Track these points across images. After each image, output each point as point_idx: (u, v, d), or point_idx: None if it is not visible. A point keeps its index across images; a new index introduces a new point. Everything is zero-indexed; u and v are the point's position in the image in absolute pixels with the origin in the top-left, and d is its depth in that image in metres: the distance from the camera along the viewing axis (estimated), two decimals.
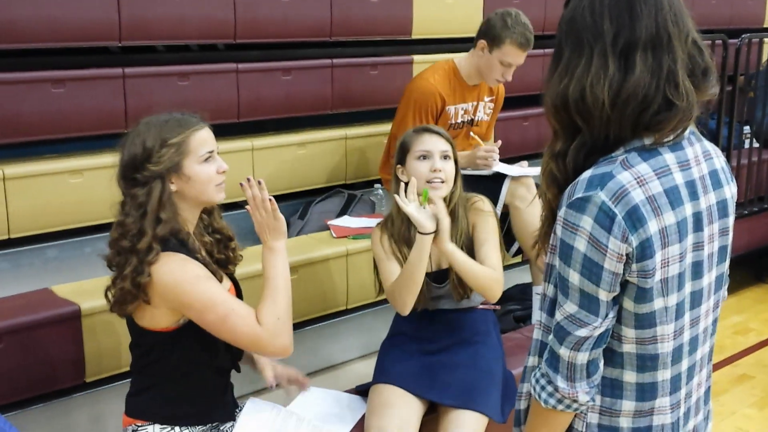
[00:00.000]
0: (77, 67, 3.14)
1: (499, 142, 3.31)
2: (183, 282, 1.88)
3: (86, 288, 2.68)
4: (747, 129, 5.01)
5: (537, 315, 1.42)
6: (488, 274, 2.37)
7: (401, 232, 2.44)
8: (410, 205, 2.28)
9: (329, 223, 3.43)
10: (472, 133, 3.43)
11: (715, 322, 1.46)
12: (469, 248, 2.44)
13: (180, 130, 1.93)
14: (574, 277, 1.29)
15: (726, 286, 1.50)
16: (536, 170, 3.29)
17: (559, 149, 1.35)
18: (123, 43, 3.22)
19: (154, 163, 1.90)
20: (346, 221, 3.45)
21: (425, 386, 2.39)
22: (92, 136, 3.20)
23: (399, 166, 2.48)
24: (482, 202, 2.51)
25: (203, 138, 1.96)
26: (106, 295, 2.00)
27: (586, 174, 1.30)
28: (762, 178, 4.85)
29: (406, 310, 2.38)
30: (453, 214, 2.44)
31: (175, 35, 3.36)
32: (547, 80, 1.38)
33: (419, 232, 2.27)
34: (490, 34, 3.21)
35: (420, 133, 2.48)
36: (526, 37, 3.19)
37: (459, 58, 3.41)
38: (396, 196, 2.33)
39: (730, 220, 1.42)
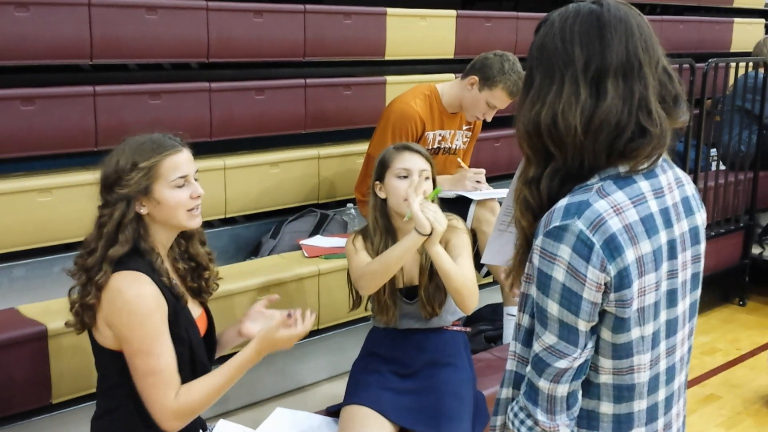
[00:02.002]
0: (47, 84, 3.11)
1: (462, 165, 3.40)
2: (134, 314, 1.85)
3: (53, 308, 2.64)
4: (714, 152, 5.10)
5: (512, 345, 1.39)
6: (468, 284, 2.39)
7: (379, 250, 2.45)
8: (416, 201, 2.29)
9: (301, 242, 3.42)
10: (459, 160, 3.47)
11: (690, 349, 1.45)
12: None
13: (152, 154, 1.92)
14: (553, 308, 1.27)
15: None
16: (500, 192, 3.34)
17: (532, 175, 1.34)
18: (94, 61, 3.20)
19: (122, 186, 1.90)
20: (319, 241, 3.45)
21: (396, 410, 2.38)
22: (62, 155, 3.17)
23: (377, 182, 2.49)
24: (456, 220, 2.53)
25: (176, 162, 1.94)
26: (71, 310, 1.99)
27: (563, 202, 1.29)
28: (728, 200, 4.94)
29: (366, 292, 2.44)
30: None
31: (147, 54, 3.35)
32: (519, 105, 1.37)
33: (417, 230, 2.28)
34: (485, 73, 3.24)
35: (400, 150, 2.49)
36: (518, 87, 3.23)
37: (441, 85, 3.44)
38: (409, 190, 2.34)
39: (702, 246, 1.42)
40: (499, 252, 1.63)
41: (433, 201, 2.35)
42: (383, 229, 2.48)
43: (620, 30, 1.30)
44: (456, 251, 2.45)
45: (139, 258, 1.92)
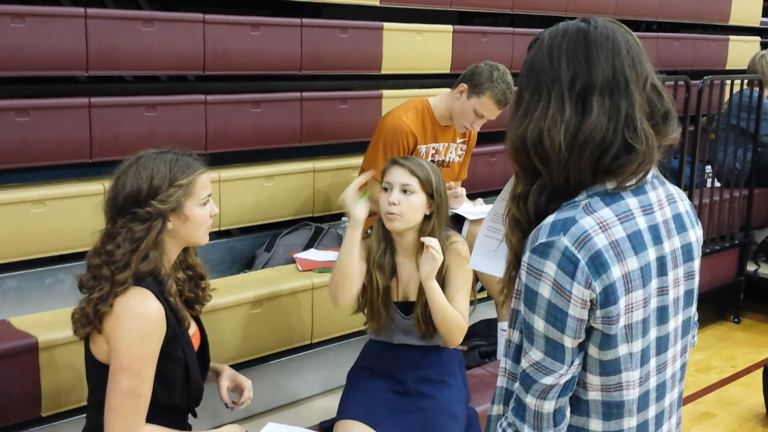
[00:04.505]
0: (43, 95, 3.11)
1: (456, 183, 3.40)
2: (136, 331, 1.86)
3: (45, 320, 2.62)
4: (708, 168, 5.11)
5: (502, 361, 1.39)
6: (457, 322, 2.40)
7: (376, 258, 2.47)
8: (350, 191, 2.40)
9: (295, 256, 3.41)
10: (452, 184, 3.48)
11: (683, 367, 1.45)
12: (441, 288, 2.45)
13: (189, 171, 1.95)
14: (539, 324, 1.27)
15: (695, 331, 1.49)
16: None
17: (519, 192, 1.35)
18: (90, 73, 3.20)
19: (161, 201, 1.90)
20: (313, 254, 3.44)
21: (389, 425, 2.38)
22: (56, 166, 3.16)
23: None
24: (461, 244, 2.51)
25: (206, 181, 1.99)
26: (72, 316, 1.98)
27: (549, 219, 1.29)
28: (723, 216, 4.94)
29: (337, 302, 2.46)
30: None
31: (143, 66, 3.35)
32: (509, 122, 1.38)
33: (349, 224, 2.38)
34: (474, 81, 3.25)
35: (390, 164, 2.51)
36: (506, 96, 3.24)
37: (433, 98, 3.45)
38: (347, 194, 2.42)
39: (696, 263, 1.42)
40: (486, 258, 1.63)
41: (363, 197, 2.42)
42: (382, 236, 2.49)
43: (606, 48, 1.31)
44: (458, 284, 2.46)
45: (151, 276, 1.92)
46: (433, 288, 2.36)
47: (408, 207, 2.41)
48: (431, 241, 2.35)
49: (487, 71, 3.24)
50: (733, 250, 5.04)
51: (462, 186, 3.59)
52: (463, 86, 3.28)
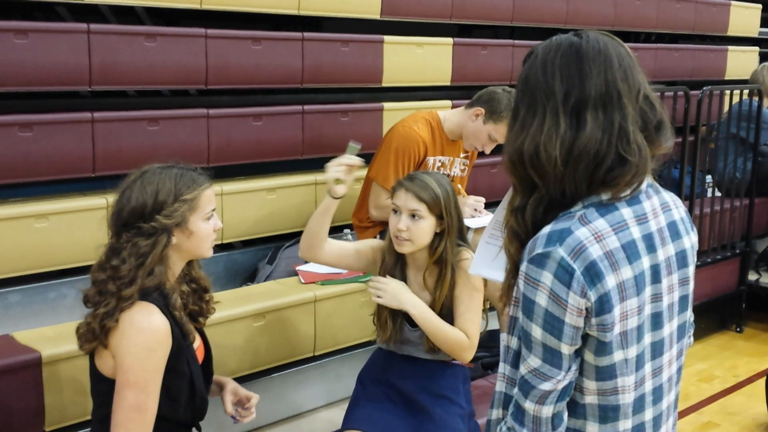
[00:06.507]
0: (46, 111, 3.13)
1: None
2: (141, 346, 1.86)
3: (48, 335, 2.63)
4: (709, 178, 5.12)
5: (501, 367, 1.43)
6: (454, 340, 2.39)
7: (388, 268, 2.48)
8: (332, 167, 2.41)
9: (297, 268, 3.42)
10: (459, 186, 3.50)
11: (679, 370, 1.48)
12: (449, 305, 2.45)
13: (194, 186, 1.97)
14: (537, 332, 1.31)
15: (691, 332, 1.52)
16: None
17: (517, 204, 1.38)
18: (93, 88, 3.22)
19: (166, 216, 1.91)
20: (315, 267, 3.44)
21: None
22: (59, 180, 3.17)
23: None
24: (470, 261, 2.48)
25: (210, 196, 2.01)
26: (77, 331, 1.98)
27: (546, 229, 1.32)
28: (724, 226, 4.95)
29: (300, 251, 2.52)
30: (440, 269, 2.43)
31: (146, 80, 3.37)
32: (506, 136, 1.42)
33: (330, 195, 2.41)
34: (492, 107, 3.30)
35: (397, 187, 2.47)
36: None
37: (443, 112, 3.49)
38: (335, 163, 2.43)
39: (690, 269, 1.45)
40: (486, 266, 1.65)
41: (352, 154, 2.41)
42: (394, 250, 2.46)
43: (599, 62, 1.33)
44: (465, 303, 2.43)
45: (156, 291, 1.93)
46: (417, 315, 2.37)
47: (417, 232, 2.39)
48: (371, 285, 2.39)
49: (506, 99, 3.29)
50: (734, 260, 5.04)
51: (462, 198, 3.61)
52: (480, 110, 3.32)
